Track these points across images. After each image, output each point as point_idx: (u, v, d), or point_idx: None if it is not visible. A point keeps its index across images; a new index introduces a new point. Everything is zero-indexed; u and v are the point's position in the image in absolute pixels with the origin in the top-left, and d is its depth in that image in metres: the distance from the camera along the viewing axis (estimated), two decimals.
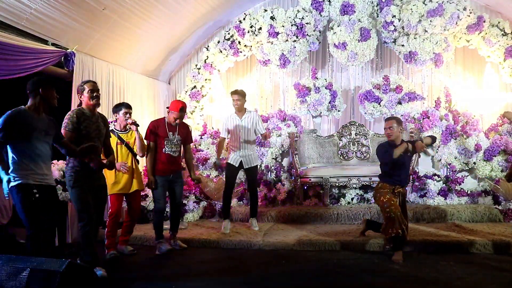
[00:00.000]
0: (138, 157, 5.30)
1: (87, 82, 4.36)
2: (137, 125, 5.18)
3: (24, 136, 3.56)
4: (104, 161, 4.36)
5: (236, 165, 5.96)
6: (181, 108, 5.25)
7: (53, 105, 3.79)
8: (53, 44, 5.83)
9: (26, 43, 5.31)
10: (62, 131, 4.03)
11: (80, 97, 4.29)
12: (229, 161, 6.02)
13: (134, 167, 5.23)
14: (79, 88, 4.29)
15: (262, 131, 6.10)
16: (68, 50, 6.03)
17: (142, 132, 5.27)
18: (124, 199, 5.26)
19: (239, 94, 6.02)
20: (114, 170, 4.91)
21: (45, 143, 3.71)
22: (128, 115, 5.21)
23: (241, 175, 6.93)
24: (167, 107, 5.42)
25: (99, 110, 4.50)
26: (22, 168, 3.55)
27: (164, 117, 5.41)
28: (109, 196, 5.01)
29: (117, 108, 5.31)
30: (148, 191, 7.03)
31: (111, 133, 4.93)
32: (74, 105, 5.86)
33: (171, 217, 5.45)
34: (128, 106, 5.29)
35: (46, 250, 3.55)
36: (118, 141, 5.16)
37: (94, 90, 4.26)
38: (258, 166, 6.65)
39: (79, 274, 2.65)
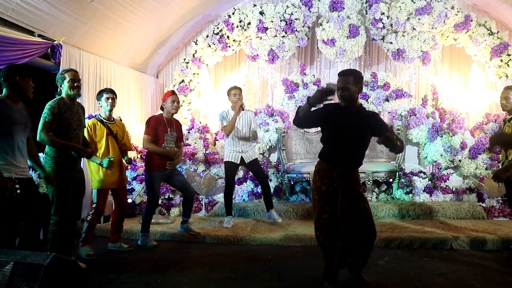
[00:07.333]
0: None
1: (68, 70, 4.19)
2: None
3: (5, 130, 3.40)
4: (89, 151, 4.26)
5: (237, 162, 5.91)
6: (173, 91, 5.42)
7: (29, 96, 3.61)
8: (39, 36, 5.74)
9: (12, 33, 5.21)
10: (41, 121, 3.89)
11: (60, 85, 4.10)
12: (228, 159, 5.93)
13: (120, 160, 5.06)
14: (60, 77, 4.11)
15: (255, 128, 6.16)
16: (54, 42, 5.93)
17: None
18: (110, 193, 5.08)
19: (241, 90, 6.05)
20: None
21: (24, 136, 3.58)
22: (110, 100, 4.95)
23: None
24: (161, 106, 5.37)
25: (82, 101, 4.38)
26: (3, 162, 3.39)
27: (161, 113, 5.36)
28: (96, 191, 4.86)
29: (99, 95, 5.05)
30: (134, 185, 7.01)
31: (99, 123, 4.89)
32: None
33: (185, 205, 5.49)
34: (110, 91, 5.03)
35: (31, 245, 3.48)
36: (108, 131, 4.92)
37: (75, 80, 4.10)
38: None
39: (64, 268, 2.63)
